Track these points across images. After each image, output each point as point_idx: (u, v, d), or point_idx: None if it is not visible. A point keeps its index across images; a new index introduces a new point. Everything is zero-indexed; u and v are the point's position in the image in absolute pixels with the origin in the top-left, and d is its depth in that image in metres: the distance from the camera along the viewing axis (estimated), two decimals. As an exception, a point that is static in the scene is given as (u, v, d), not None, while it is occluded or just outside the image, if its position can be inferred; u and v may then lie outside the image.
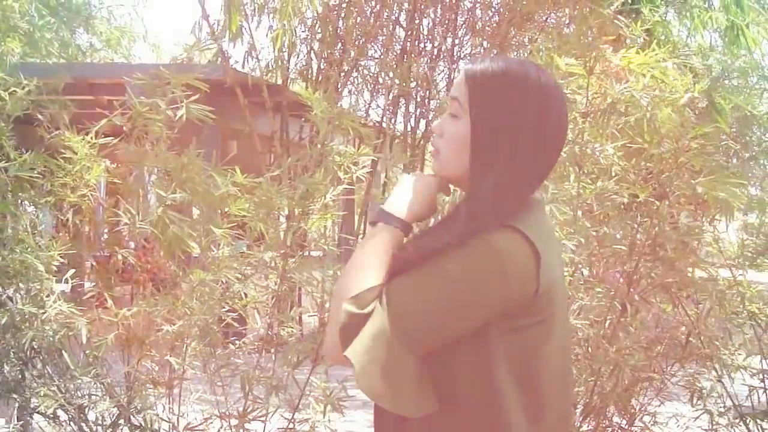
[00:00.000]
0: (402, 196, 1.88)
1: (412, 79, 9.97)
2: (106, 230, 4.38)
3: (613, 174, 3.71)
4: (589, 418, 4.04)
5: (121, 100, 3.50)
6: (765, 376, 4.34)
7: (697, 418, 4.33)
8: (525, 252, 1.74)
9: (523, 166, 1.81)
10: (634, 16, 6.24)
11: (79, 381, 3.77)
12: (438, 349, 1.71)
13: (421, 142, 10.20)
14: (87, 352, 3.77)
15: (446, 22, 10.26)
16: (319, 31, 9.83)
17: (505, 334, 1.74)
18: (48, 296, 3.58)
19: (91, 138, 3.66)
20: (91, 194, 3.64)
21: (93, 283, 4.10)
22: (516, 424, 1.75)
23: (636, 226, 3.87)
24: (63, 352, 3.67)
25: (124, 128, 3.47)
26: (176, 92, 3.37)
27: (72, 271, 3.71)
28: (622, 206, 3.79)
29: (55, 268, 3.64)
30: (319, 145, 3.46)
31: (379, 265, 1.78)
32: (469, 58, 10.54)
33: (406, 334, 1.67)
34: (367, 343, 1.67)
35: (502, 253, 1.72)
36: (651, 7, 6.92)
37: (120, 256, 3.75)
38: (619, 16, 4.13)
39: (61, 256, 3.78)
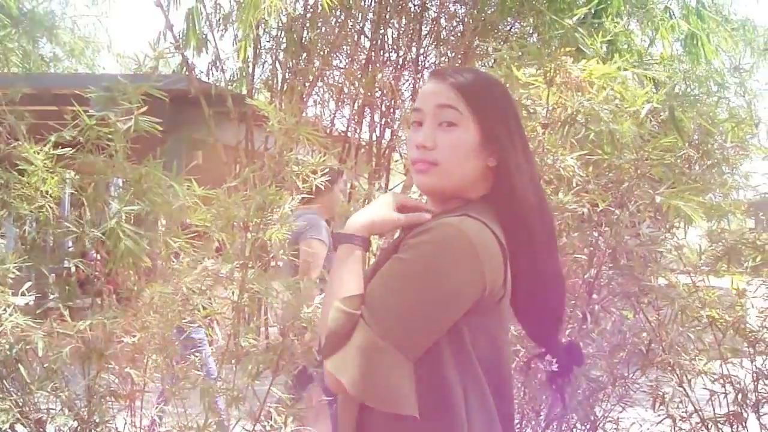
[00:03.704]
0: (358, 215, 1.88)
1: (377, 89, 10.00)
2: (70, 242, 4.34)
3: (574, 184, 3.72)
4: (551, 426, 4.05)
5: (74, 111, 3.46)
6: (725, 380, 4.38)
7: (660, 422, 4.36)
8: (491, 238, 1.77)
9: (530, 162, 1.92)
10: (596, 25, 6.29)
11: (37, 395, 3.72)
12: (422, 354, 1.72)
13: (386, 152, 10.22)
14: (45, 365, 3.72)
15: (411, 32, 10.29)
16: (284, 41, 9.83)
17: (476, 332, 1.76)
18: (4, 310, 3.53)
19: (49, 149, 3.62)
20: (49, 206, 3.60)
21: (53, 296, 4.06)
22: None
23: (596, 234, 3.89)
24: (19, 365, 3.62)
25: (80, 139, 3.45)
26: (127, 103, 3.34)
27: (29, 283, 3.66)
28: (582, 215, 3.81)
29: (10, 281, 3.59)
30: (276, 155, 3.45)
31: (347, 281, 1.79)
32: (434, 67, 10.57)
33: (397, 336, 1.68)
34: (357, 354, 1.68)
35: (468, 233, 1.75)
36: (612, 19, 6.96)
37: (74, 268, 3.70)
38: (579, 28, 4.15)
39: (19, 269, 3.74)
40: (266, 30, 9.77)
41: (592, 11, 6.70)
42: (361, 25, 10.32)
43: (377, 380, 1.67)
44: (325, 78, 10.35)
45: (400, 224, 1.86)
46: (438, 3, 10.30)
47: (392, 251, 1.81)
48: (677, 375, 4.35)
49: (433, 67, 10.57)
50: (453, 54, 10.10)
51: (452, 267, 1.72)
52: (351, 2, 9.24)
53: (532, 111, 3.74)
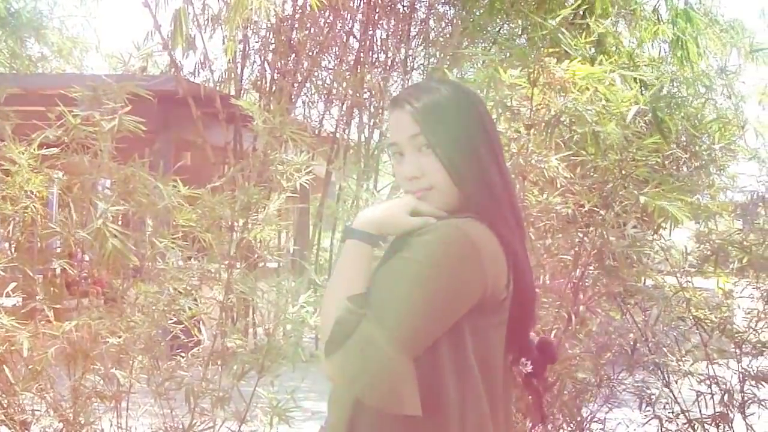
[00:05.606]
0: (371, 211, 1.89)
1: (365, 90, 10.01)
2: (58, 242, 4.32)
3: (558, 185, 3.72)
4: (537, 427, 4.05)
5: (57, 111, 3.44)
6: (711, 381, 4.39)
7: (646, 423, 4.37)
8: (494, 240, 1.78)
9: (502, 170, 1.92)
10: (584, 27, 6.27)
11: (22, 396, 3.71)
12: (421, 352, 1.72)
13: (375, 152, 10.23)
14: (31, 366, 3.70)
15: (399, 33, 10.30)
16: (273, 41, 9.82)
17: (476, 334, 1.76)
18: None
19: (34, 149, 3.61)
20: (34, 206, 3.58)
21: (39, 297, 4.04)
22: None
23: (581, 235, 3.89)
24: (4, 366, 3.61)
25: (65, 139, 3.43)
26: (111, 103, 3.33)
27: (13, 284, 3.64)
28: (568, 216, 3.81)
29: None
30: (261, 155, 3.44)
31: (352, 277, 1.80)
32: (423, 68, 10.60)
33: (399, 334, 1.68)
34: (359, 352, 1.68)
35: (470, 234, 1.76)
36: (596, 20, 6.97)
37: (60, 269, 3.69)
38: (563, 30, 4.14)
39: (5, 270, 3.72)
40: (255, 30, 9.77)
41: (581, 12, 6.71)
42: (349, 25, 10.33)
43: (378, 379, 1.68)
44: (313, 79, 10.35)
45: (411, 228, 1.83)
46: (427, 4, 10.32)
47: (396, 249, 1.81)
48: (664, 376, 4.36)
49: (422, 68, 10.60)
50: (442, 55, 10.11)
51: (453, 266, 1.73)
52: (340, 3, 9.24)
53: (516, 112, 3.74)
